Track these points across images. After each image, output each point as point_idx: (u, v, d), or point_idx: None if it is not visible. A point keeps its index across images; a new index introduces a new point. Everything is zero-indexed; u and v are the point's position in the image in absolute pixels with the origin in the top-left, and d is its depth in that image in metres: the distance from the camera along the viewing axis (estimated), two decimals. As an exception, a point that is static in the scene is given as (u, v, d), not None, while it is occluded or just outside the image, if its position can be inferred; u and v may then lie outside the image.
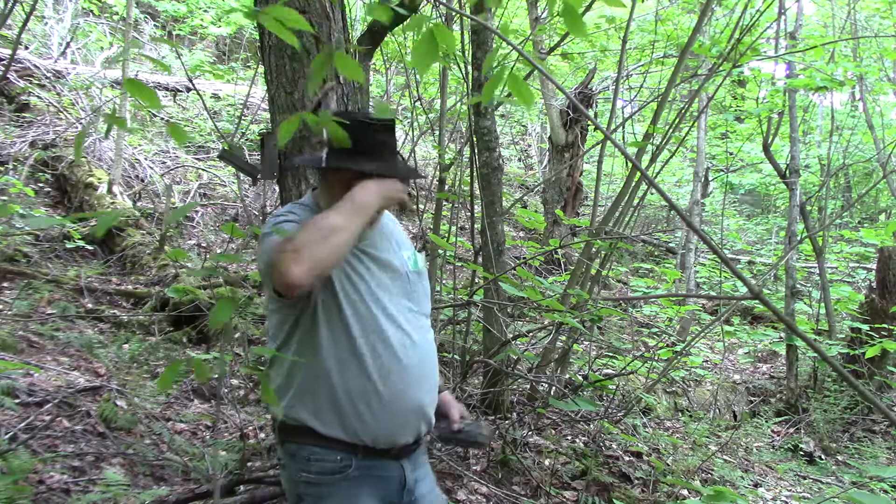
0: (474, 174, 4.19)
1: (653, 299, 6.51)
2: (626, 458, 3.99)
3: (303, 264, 1.53)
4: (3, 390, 3.43)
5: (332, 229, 1.58)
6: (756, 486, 4.28)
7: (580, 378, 4.57)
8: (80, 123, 7.44)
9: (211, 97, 8.90)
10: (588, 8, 4.84)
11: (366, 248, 1.77)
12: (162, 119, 8.50)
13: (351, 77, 1.26)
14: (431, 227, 4.70)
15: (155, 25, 10.65)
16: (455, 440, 1.99)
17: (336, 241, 1.58)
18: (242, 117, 7.92)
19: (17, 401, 3.44)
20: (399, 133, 1.84)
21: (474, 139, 4.12)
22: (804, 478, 4.65)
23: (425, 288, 1.91)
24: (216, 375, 4.08)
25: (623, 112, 8.18)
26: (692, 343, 4.63)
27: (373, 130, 1.72)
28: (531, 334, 4.61)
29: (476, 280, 4.23)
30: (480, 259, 4.11)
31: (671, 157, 5.26)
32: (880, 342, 4.97)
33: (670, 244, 10.84)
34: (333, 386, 1.71)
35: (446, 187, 4.51)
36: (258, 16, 1.16)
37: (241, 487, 3.00)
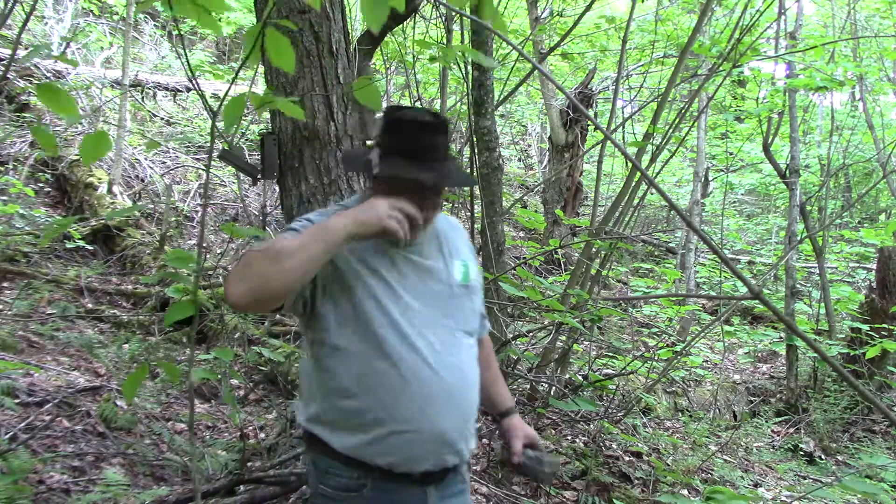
0: (474, 174, 4.19)
1: (653, 299, 6.51)
2: (626, 458, 3.99)
3: (242, 284, 1.46)
4: (3, 390, 3.44)
5: (283, 253, 1.46)
6: (756, 486, 4.28)
7: (580, 378, 4.57)
8: (81, 123, 7.44)
9: (211, 97, 8.90)
10: (588, 7, 4.83)
11: (408, 253, 1.66)
12: (162, 119, 8.50)
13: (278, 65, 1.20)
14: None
15: (155, 25, 10.66)
16: (516, 471, 1.83)
17: (283, 267, 1.45)
18: (242, 117, 7.91)
19: (17, 401, 3.44)
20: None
21: (474, 139, 4.12)
22: (804, 478, 4.65)
23: (473, 304, 1.75)
24: (202, 378, 4.08)
25: (623, 112, 8.18)
26: (692, 343, 4.63)
27: (427, 132, 1.62)
28: (531, 334, 4.61)
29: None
30: (480, 259, 4.11)
31: (671, 157, 5.26)
32: (880, 342, 4.97)
33: (670, 244, 10.84)
34: (348, 402, 1.60)
35: (446, 187, 4.51)
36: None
37: (241, 487, 3.00)
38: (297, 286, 1.51)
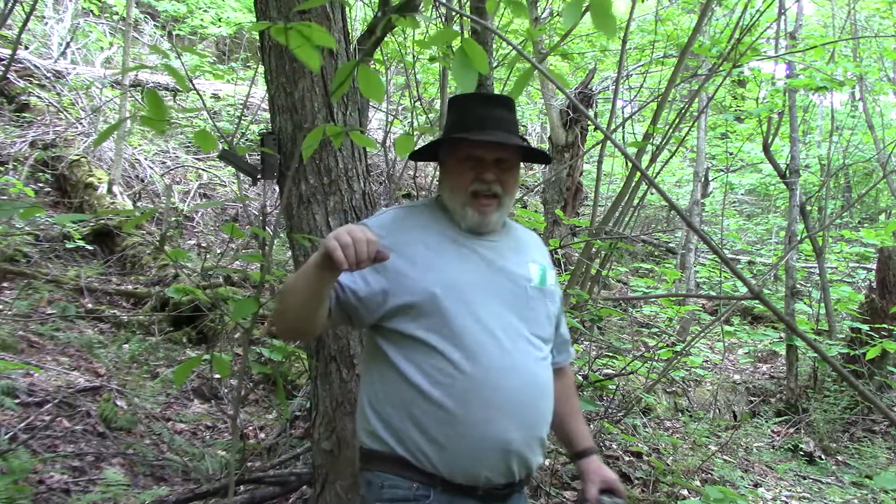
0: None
1: (653, 299, 6.51)
2: (626, 458, 3.99)
3: (274, 322, 1.57)
4: (3, 390, 3.44)
5: (284, 292, 1.53)
6: (756, 486, 4.28)
7: (580, 378, 4.57)
8: (81, 123, 7.44)
9: (211, 97, 8.91)
10: (588, 8, 4.83)
11: (483, 248, 1.61)
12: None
13: (368, 96, 1.27)
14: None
15: (155, 25, 10.65)
16: None
17: (287, 305, 1.51)
18: (242, 117, 7.92)
19: (17, 401, 3.44)
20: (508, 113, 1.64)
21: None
22: (804, 478, 4.65)
23: (548, 309, 1.65)
24: (219, 376, 4.08)
25: (623, 112, 8.18)
26: (692, 343, 4.63)
27: (481, 103, 1.61)
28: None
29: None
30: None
31: (671, 157, 5.25)
32: (880, 342, 4.96)
33: (670, 244, 10.83)
34: (408, 401, 1.52)
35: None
36: (277, 33, 1.14)
37: (241, 487, 3.00)
38: (311, 316, 1.49)
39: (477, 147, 1.58)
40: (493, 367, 1.51)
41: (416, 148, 1.66)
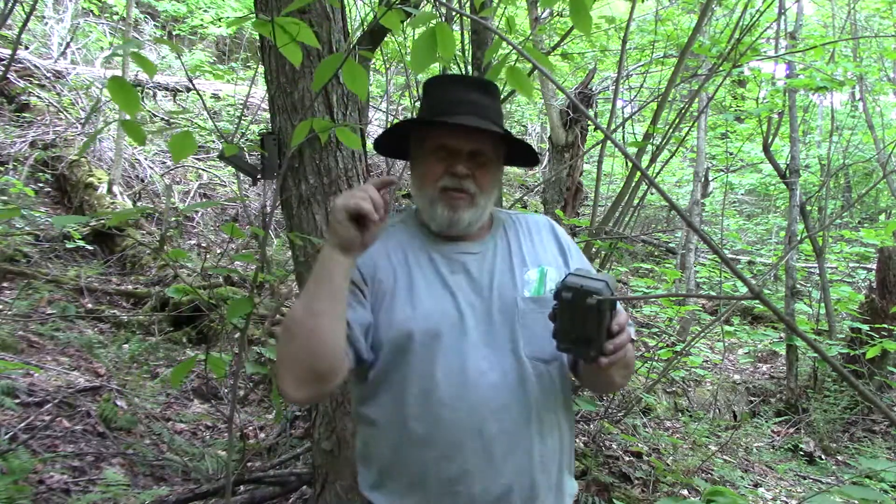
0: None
1: (653, 299, 6.51)
2: (626, 458, 3.99)
3: (287, 383, 1.23)
4: (3, 390, 3.44)
5: (295, 323, 1.23)
6: (756, 486, 4.28)
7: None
8: (81, 123, 7.45)
9: (211, 97, 8.91)
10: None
11: (461, 263, 1.39)
12: (162, 119, 8.50)
13: (353, 89, 1.27)
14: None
15: (155, 25, 10.66)
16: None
17: (303, 345, 1.21)
18: (242, 117, 7.93)
19: (17, 401, 3.45)
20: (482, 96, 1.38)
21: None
22: (804, 478, 4.65)
23: (546, 322, 1.28)
24: (216, 376, 4.08)
25: (623, 112, 8.18)
26: (692, 343, 4.63)
27: (454, 85, 1.39)
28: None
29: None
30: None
31: (671, 157, 5.25)
32: (880, 342, 4.96)
33: (670, 244, 10.84)
34: (375, 441, 1.36)
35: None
36: (259, 26, 1.16)
37: (241, 487, 3.00)
38: (337, 344, 1.24)
39: (449, 136, 1.35)
40: (476, 413, 1.29)
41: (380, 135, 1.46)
